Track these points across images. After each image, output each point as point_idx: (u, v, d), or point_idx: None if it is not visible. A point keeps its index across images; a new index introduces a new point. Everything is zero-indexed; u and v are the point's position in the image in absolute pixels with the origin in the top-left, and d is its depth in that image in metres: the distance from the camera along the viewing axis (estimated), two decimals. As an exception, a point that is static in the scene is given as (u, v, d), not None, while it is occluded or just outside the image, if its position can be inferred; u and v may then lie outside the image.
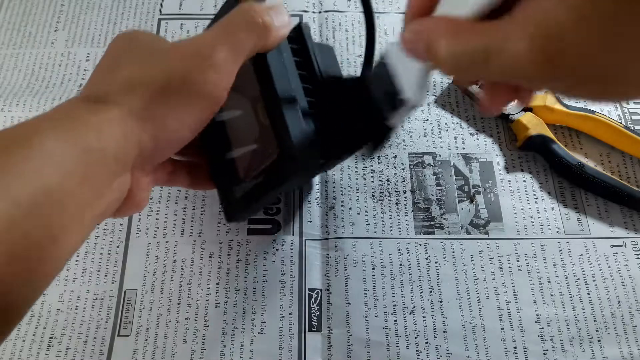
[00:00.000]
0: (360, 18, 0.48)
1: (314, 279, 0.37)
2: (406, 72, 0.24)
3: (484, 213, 0.39)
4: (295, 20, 0.32)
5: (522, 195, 0.40)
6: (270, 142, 0.28)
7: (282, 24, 0.26)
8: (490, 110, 0.22)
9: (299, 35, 0.31)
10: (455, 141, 0.42)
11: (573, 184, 0.40)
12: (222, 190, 0.32)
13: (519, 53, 0.16)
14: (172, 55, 0.24)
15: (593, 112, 0.41)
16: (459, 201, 0.40)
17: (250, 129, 0.30)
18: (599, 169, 0.40)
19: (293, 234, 0.39)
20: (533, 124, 0.40)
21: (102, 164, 0.21)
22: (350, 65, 0.45)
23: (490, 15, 0.18)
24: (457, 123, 0.43)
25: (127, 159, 0.22)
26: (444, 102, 0.44)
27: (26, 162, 0.18)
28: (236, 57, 0.24)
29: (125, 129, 0.22)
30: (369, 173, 0.41)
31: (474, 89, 0.42)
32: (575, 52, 0.15)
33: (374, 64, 0.28)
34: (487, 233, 0.39)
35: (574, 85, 0.17)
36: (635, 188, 0.39)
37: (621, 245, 0.38)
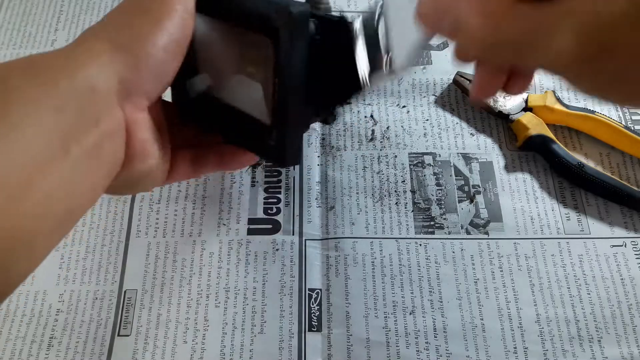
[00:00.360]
0: (360, 18, 0.48)
1: (314, 279, 0.37)
2: (401, 35, 0.22)
3: (484, 213, 0.39)
4: None
5: (522, 195, 0.40)
6: (263, 55, 0.26)
7: None
8: (482, 97, 0.21)
9: (331, 27, 0.28)
10: (455, 141, 0.42)
11: (573, 184, 0.40)
12: (261, 150, 0.30)
13: (565, 45, 0.15)
14: None
15: (593, 112, 0.41)
16: (459, 201, 0.40)
17: (251, 86, 0.28)
18: (599, 169, 0.40)
19: (293, 234, 0.39)
20: (533, 124, 0.40)
21: (80, 97, 0.21)
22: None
23: None
24: (457, 123, 0.43)
25: (106, 89, 0.22)
26: (444, 102, 0.44)
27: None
28: None
29: (98, 60, 0.22)
30: (369, 173, 0.41)
31: (474, 89, 0.42)
32: (627, 50, 0.14)
33: (368, 9, 0.26)
34: (487, 233, 0.39)
35: (613, 85, 0.16)
36: (635, 188, 0.39)
37: (621, 245, 0.38)
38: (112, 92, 0.22)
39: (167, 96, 0.29)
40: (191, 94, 0.28)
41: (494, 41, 0.17)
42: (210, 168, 0.31)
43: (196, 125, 0.31)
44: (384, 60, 0.24)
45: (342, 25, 0.27)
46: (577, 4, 0.15)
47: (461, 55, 0.20)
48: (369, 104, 0.44)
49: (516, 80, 0.21)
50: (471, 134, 0.42)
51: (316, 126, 0.43)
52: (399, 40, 0.23)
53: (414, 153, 0.42)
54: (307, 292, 0.37)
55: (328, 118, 0.30)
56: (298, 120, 0.27)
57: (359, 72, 0.26)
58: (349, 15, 0.27)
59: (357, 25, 0.26)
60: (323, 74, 0.27)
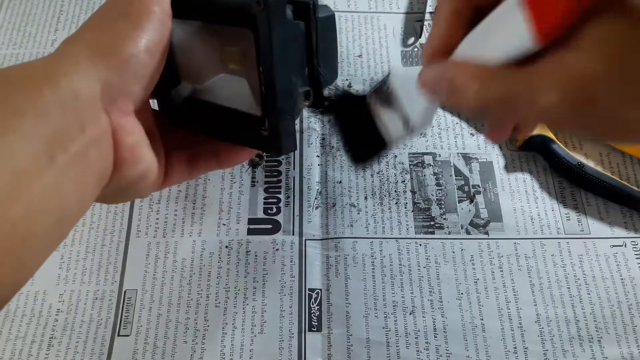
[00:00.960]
0: (360, 18, 0.48)
1: (314, 279, 0.37)
2: (412, 102, 0.25)
3: (484, 213, 0.39)
4: None
5: (522, 195, 0.40)
6: (243, 48, 0.27)
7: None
8: (496, 141, 0.25)
9: (304, 9, 0.29)
10: (455, 141, 0.42)
11: (573, 184, 0.40)
12: (256, 142, 0.30)
13: (550, 102, 0.17)
14: None
15: (593, 112, 0.41)
16: (459, 201, 0.40)
17: (237, 83, 0.29)
18: (599, 169, 0.40)
19: (293, 234, 0.39)
20: (533, 124, 0.40)
21: (64, 104, 0.20)
22: (350, 65, 0.45)
23: (515, 63, 0.19)
24: (457, 123, 0.43)
25: (90, 95, 0.21)
26: (444, 102, 0.44)
27: None
28: None
29: (80, 67, 0.21)
30: (369, 173, 0.41)
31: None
32: (604, 104, 0.16)
33: (376, 84, 0.28)
34: (487, 233, 0.39)
35: (601, 133, 0.18)
36: (635, 188, 0.39)
37: (621, 245, 0.38)
38: (97, 98, 0.22)
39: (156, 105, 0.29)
40: (176, 101, 0.29)
41: (488, 102, 0.19)
42: (206, 168, 0.31)
43: (188, 128, 0.31)
44: (402, 123, 0.25)
45: (357, 99, 0.29)
46: (555, 67, 0.17)
47: (463, 110, 0.23)
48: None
49: (520, 129, 0.24)
50: (471, 134, 0.42)
51: (316, 126, 0.43)
52: (411, 105, 0.25)
53: (414, 153, 0.42)
54: (307, 292, 0.37)
55: (316, 100, 0.30)
56: (287, 105, 0.27)
57: (385, 137, 0.27)
58: (356, 85, 0.28)
59: (372, 99, 0.28)
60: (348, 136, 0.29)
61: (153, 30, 0.24)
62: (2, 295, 0.19)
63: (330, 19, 0.30)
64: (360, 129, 0.29)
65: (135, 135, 0.24)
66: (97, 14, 0.24)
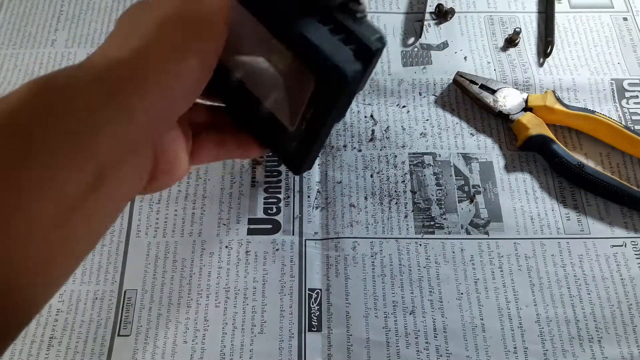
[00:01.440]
0: (360, 18, 0.48)
1: (314, 279, 0.37)
2: None
3: (484, 213, 0.39)
4: None
5: (522, 195, 0.40)
6: (301, 75, 0.26)
7: None
8: None
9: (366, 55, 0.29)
10: (455, 141, 0.42)
11: (573, 184, 0.40)
12: (277, 150, 0.31)
13: None
14: (162, 8, 0.23)
15: (593, 112, 0.41)
16: (459, 201, 0.40)
17: (273, 79, 0.28)
18: (599, 169, 0.40)
19: (293, 234, 0.39)
20: (533, 124, 0.40)
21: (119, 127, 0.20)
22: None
23: None
24: (457, 123, 0.43)
25: (144, 119, 0.21)
26: (444, 102, 0.44)
27: None
28: None
29: (144, 85, 0.21)
30: (369, 173, 0.41)
31: (474, 88, 0.42)
32: None
33: None
34: (487, 233, 0.39)
35: None
36: (635, 188, 0.39)
37: (621, 245, 0.38)
38: (150, 120, 0.21)
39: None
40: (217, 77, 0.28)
41: None
42: (230, 155, 0.30)
43: (216, 103, 0.31)
44: None
45: None
46: None
47: None
48: (369, 104, 0.44)
49: None
50: (471, 134, 0.42)
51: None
52: None
53: (414, 153, 0.42)
54: (307, 292, 0.37)
55: None
56: (325, 139, 0.29)
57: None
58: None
59: None
60: None
61: (211, 49, 0.23)
62: (31, 306, 0.19)
63: (381, 52, 0.29)
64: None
65: (176, 146, 0.24)
66: (160, 21, 0.22)
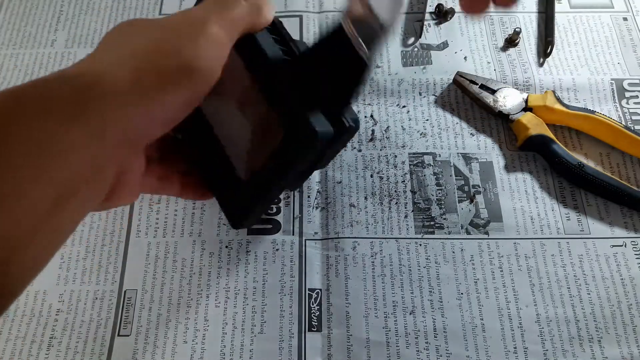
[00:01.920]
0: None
1: (314, 279, 0.37)
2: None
3: (484, 213, 0.39)
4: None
5: (522, 195, 0.40)
6: (271, 127, 0.27)
7: (272, 5, 0.27)
8: (472, 12, 0.23)
9: (274, 27, 0.30)
10: (455, 141, 0.42)
11: (573, 184, 0.40)
12: (221, 197, 0.30)
13: None
14: (164, 25, 0.23)
15: (593, 112, 0.41)
16: (459, 201, 0.40)
17: (241, 126, 0.29)
18: (599, 169, 0.40)
19: (293, 234, 0.39)
20: (533, 124, 0.40)
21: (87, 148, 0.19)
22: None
23: None
24: (457, 123, 0.43)
25: (113, 140, 0.20)
26: (444, 102, 0.44)
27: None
28: (231, 31, 0.24)
29: (116, 101, 0.20)
30: (369, 173, 0.41)
31: (474, 88, 0.42)
32: None
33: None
34: (487, 233, 0.39)
35: None
36: (635, 188, 0.39)
37: (621, 245, 0.38)
38: (120, 141, 0.21)
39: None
40: None
41: None
42: (170, 191, 0.30)
43: (177, 135, 0.31)
44: (372, 21, 0.25)
45: (334, 34, 0.28)
46: None
47: None
48: (369, 104, 0.44)
49: None
50: (471, 134, 0.42)
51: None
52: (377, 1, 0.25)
53: (414, 153, 0.42)
54: (307, 292, 0.37)
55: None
56: (272, 202, 0.30)
57: (358, 49, 0.26)
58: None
59: (344, 19, 0.27)
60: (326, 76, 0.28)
61: (200, 91, 0.23)
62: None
63: (352, 133, 0.30)
64: (340, 55, 0.28)
65: (136, 171, 0.24)
66: (157, 47, 0.22)
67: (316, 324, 0.36)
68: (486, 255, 0.38)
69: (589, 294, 0.37)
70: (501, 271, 0.37)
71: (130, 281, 0.37)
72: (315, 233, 0.39)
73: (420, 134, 0.42)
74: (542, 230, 0.39)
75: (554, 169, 0.40)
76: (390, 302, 0.36)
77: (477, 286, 0.37)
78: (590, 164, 0.40)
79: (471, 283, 0.37)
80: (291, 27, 0.47)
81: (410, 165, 0.41)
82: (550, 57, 0.45)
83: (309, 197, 0.40)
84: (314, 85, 0.28)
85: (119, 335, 0.36)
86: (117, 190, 0.23)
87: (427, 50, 0.46)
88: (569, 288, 0.37)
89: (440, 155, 0.41)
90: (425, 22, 0.47)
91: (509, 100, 0.42)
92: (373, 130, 0.43)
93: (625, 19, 0.47)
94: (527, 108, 0.41)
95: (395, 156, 0.41)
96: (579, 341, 0.35)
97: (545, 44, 0.46)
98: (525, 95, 0.42)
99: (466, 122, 0.43)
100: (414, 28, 0.47)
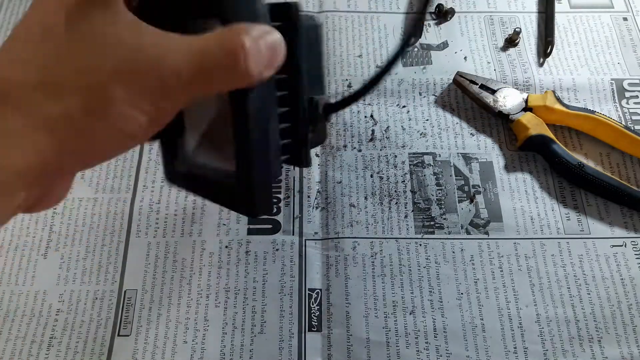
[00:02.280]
0: (360, 18, 0.48)
1: (314, 279, 0.37)
2: None
3: (484, 213, 0.39)
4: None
5: (522, 195, 0.40)
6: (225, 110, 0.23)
7: (270, 63, 0.21)
8: None
9: (289, 27, 0.24)
10: (455, 141, 0.42)
11: (573, 184, 0.40)
12: (225, 199, 0.28)
13: None
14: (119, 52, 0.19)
15: (593, 112, 0.41)
16: (459, 201, 0.40)
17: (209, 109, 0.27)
18: (599, 169, 0.40)
19: (293, 234, 0.39)
20: (533, 124, 0.40)
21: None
22: (350, 65, 0.45)
23: None
24: (457, 123, 0.43)
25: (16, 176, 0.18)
26: (444, 102, 0.44)
27: None
28: (185, 99, 0.20)
29: (27, 142, 0.18)
30: (369, 173, 0.41)
31: (474, 88, 0.42)
32: None
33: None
34: (487, 233, 0.39)
35: None
36: (635, 188, 0.39)
37: (621, 245, 0.38)
38: (27, 176, 0.18)
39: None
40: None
41: None
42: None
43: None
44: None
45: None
46: None
47: None
48: (369, 104, 0.44)
49: None
50: (471, 134, 0.42)
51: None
52: None
53: (414, 153, 0.42)
54: (307, 292, 0.37)
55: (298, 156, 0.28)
56: (262, 162, 0.25)
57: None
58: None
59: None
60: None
61: (126, 147, 0.21)
62: None
63: (315, 30, 0.26)
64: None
65: (66, 189, 0.22)
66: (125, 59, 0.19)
67: (316, 324, 0.36)
68: (486, 255, 0.38)
69: (589, 294, 0.37)
70: (501, 271, 0.37)
71: (130, 281, 0.37)
72: (315, 233, 0.39)
73: (420, 134, 0.42)
74: (542, 230, 0.39)
75: (554, 169, 0.40)
76: (390, 302, 0.36)
77: (477, 286, 0.37)
78: (590, 164, 0.40)
79: (471, 283, 0.37)
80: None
81: (410, 165, 0.41)
82: (550, 57, 0.45)
83: (309, 197, 0.40)
84: None
85: (119, 335, 0.36)
86: (47, 198, 0.21)
87: (427, 50, 0.46)
88: (569, 288, 0.37)
89: (440, 155, 0.41)
90: (425, 22, 0.47)
91: (509, 100, 0.42)
92: (373, 130, 0.43)
93: (625, 19, 0.47)
94: (527, 108, 0.41)
95: (395, 156, 0.42)
96: (579, 341, 0.35)
97: (545, 44, 0.46)
98: (525, 95, 0.42)
99: (466, 122, 0.43)
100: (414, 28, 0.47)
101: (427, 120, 0.43)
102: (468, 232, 0.39)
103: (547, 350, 0.35)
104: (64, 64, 0.18)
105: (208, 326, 0.36)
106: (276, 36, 0.21)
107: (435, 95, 0.44)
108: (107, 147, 0.20)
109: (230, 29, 0.20)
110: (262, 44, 0.20)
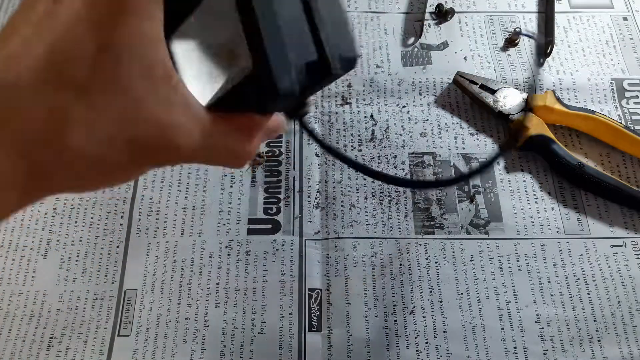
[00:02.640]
0: (360, 18, 0.48)
1: (314, 279, 0.37)
2: None
3: (484, 213, 0.39)
4: None
5: (522, 195, 0.40)
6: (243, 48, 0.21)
7: (270, 136, 0.24)
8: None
9: None
10: (455, 141, 0.42)
11: (573, 184, 0.40)
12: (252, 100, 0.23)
13: None
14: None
15: (593, 112, 0.41)
16: (459, 201, 0.40)
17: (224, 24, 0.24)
18: (599, 169, 0.40)
19: (293, 234, 0.39)
20: (533, 124, 0.40)
21: None
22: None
23: None
24: (457, 123, 0.43)
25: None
26: (444, 102, 0.44)
27: None
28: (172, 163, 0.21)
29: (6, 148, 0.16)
30: (369, 173, 0.41)
31: (474, 88, 0.42)
32: None
33: None
34: (487, 233, 0.39)
35: None
36: (635, 188, 0.39)
37: (621, 245, 0.38)
38: (14, 186, 0.17)
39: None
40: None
41: None
42: None
43: None
44: None
45: None
46: None
47: None
48: (369, 104, 0.44)
49: None
50: (471, 134, 0.42)
51: (316, 126, 0.43)
52: None
53: (414, 153, 0.42)
54: (307, 292, 0.37)
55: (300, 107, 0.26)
56: (276, 34, 0.21)
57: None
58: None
59: None
60: None
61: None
62: None
63: (337, 77, 0.23)
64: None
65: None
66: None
67: (316, 324, 0.36)
68: (486, 255, 0.38)
69: (589, 294, 0.37)
70: (501, 271, 0.37)
71: (130, 281, 0.37)
72: (316, 233, 0.39)
73: (420, 134, 0.42)
74: (542, 230, 0.39)
75: (554, 169, 0.40)
76: (390, 302, 0.36)
77: (477, 286, 0.37)
78: (590, 164, 0.40)
79: (471, 283, 0.37)
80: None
81: (410, 165, 0.41)
82: (550, 57, 0.45)
83: (309, 197, 0.40)
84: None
85: (119, 335, 0.36)
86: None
87: (427, 50, 0.46)
88: (569, 288, 0.37)
89: (440, 155, 0.41)
90: (425, 22, 0.47)
91: (509, 100, 0.42)
92: (373, 130, 0.43)
93: (625, 19, 0.47)
94: (527, 108, 0.41)
95: (395, 156, 0.42)
96: (579, 341, 0.35)
97: (545, 44, 0.46)
98: (525, 96, 0.42)
99: (466, 122, 0.43)
100: (414, 28, 0.47)
101: (427, 120, 0.43)
102: (468, 232, 0.39)
103: (547, 350, 0.35)
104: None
105: (208, 326, 0.36)
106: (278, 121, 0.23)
107: (436, 95, 0.44)
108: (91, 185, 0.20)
109: (242, 133, 0.21)
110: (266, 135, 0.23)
